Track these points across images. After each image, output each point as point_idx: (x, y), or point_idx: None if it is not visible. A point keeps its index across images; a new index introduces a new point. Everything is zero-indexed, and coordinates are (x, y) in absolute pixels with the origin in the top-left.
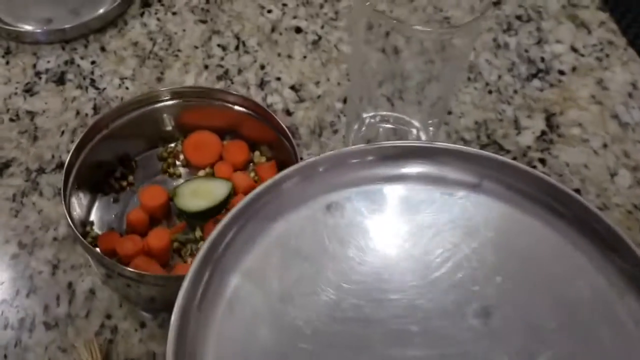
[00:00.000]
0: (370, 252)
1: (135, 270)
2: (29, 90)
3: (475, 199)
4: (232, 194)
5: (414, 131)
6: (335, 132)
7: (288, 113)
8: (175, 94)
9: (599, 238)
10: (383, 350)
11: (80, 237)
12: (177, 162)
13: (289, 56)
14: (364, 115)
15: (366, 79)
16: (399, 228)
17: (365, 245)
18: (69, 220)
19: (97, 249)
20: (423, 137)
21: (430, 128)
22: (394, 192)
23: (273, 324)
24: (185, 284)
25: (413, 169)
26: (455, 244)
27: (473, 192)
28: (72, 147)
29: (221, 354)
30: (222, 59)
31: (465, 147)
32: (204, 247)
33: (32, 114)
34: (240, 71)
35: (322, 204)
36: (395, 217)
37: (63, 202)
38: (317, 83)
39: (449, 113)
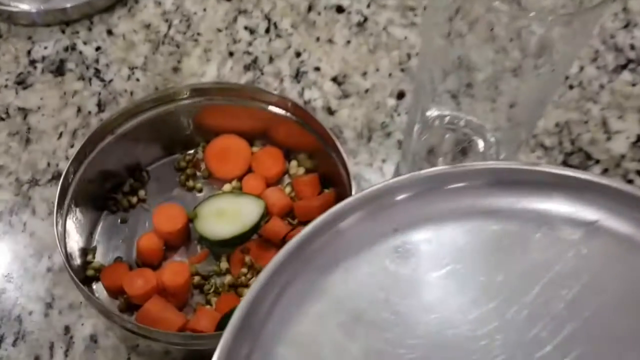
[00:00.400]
0: (454, 316)
1: (142, 326)
2: (21, 82)
3: (592, 241)
4: (265, 216)
5: (492, 140)
6: (388, 135)
7: (330, 112)
8: (195, 92)
9: None
10: None
11: (73, 275)
12: (198, 174)
13: (330, 41)
14: (429, 114)
15: (434, 68)
16: (494, 283)
17: (449, 308)
18: (60, 249)
19: (100, 284)
20: (503, 153)
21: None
22: (486, 232)
23: None
24: None
25: (512, 200)
26: (567, 305)
27: (589, 233)
28: (72, 153)
29: None
30: (250, 44)
31: (585, 173)
32: (237, 312)
33: (24, 112)
34: (271, 59)
35: (391, 247)
36: (489, 266)
37: (55, 224)
38: (364, 74)
39: None
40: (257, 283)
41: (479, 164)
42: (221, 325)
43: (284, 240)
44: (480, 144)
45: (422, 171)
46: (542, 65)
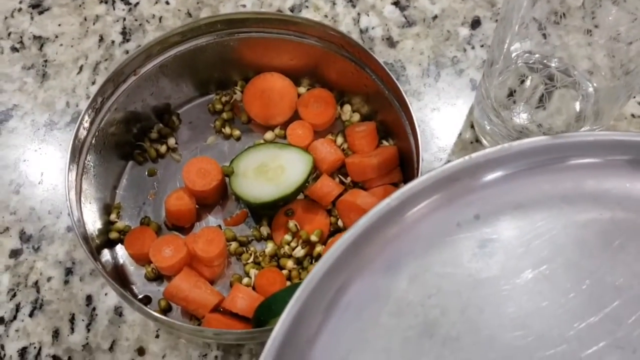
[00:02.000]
0: (550, 334)
1: (162, 317)
2: (37, 5)
3: None
4: (312, 173)
5: (589, 88)
6: (460, 73)
7: (390, 43)
8: (232, 22)
9: None
10: None
11: (85, 247)
12: (235, 118)
13: None
14: (514, 51)
15: None
16: (601, 288)
17: (544, 322)
18: (70, 210)
19: (122, 247)
20: (601, 108)
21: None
22: (594, 223)
23: None
24: None
25: (632, 184)
26: None
27: None
28: (93, 91)
29: None
30: None
31: None
32: (279, 325)
33: (40, 41)
34: None
35: (471, 240)
36: (594, 267)
37: (66, 178)
38: None
39: None
40: (303, 287)
41: (589, 135)
42: (259, 315)
43: (333, 204)
44: (572, 94)
45: (515, 142)
46: None
